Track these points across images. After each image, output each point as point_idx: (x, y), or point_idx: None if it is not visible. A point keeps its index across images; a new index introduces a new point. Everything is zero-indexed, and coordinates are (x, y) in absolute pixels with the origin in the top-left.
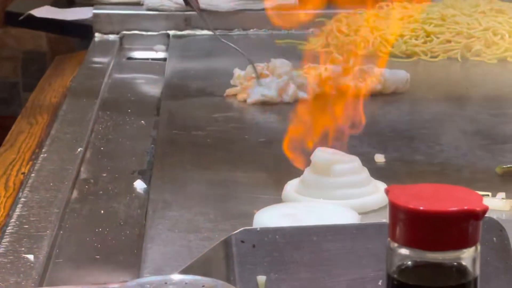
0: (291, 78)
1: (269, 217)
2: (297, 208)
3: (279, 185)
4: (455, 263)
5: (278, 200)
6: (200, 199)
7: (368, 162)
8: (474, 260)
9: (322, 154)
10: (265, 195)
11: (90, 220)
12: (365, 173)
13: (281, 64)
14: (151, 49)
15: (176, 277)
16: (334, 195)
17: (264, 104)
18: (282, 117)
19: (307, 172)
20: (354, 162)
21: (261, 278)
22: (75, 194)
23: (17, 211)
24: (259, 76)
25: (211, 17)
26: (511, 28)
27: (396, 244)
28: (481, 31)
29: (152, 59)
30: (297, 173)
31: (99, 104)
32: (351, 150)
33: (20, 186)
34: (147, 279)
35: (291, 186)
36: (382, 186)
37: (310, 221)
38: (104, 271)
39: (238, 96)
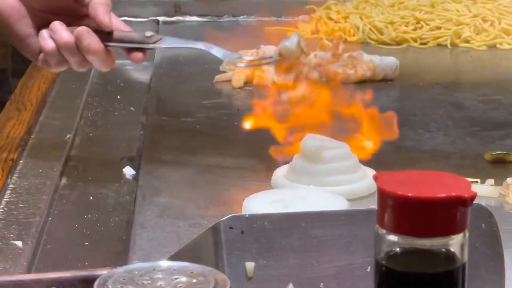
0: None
1: (258, 203)
2: (286, 194)
3: (268, 171)
4: (444, 250)
5: (267, 186)
6: (189, 186)
7: (357, 149)
8: (462, 247)
9: (311, 141)
10: (254, 181)
11: (79, 206)
12: (354, 159)
13: (270, 51)
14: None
15: (165, 263)
16: (323, 181)
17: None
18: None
19: (296, 158)
20: (343, 148)
21: (250, 265)
22: (64, 180)
23: (6, 197)
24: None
25: (202, 4)
26: (500, 14)
27: (384, 231)
28: (470, 18)
29: None
30: (286, 159)
31: (88, 90)
32: (339, 136)
33: (9, 173)
34: (135, 265)
35: (281, 172)
36: (371, 172)
37: (299, 207)
38: (93, 258)
39: (233, 82)
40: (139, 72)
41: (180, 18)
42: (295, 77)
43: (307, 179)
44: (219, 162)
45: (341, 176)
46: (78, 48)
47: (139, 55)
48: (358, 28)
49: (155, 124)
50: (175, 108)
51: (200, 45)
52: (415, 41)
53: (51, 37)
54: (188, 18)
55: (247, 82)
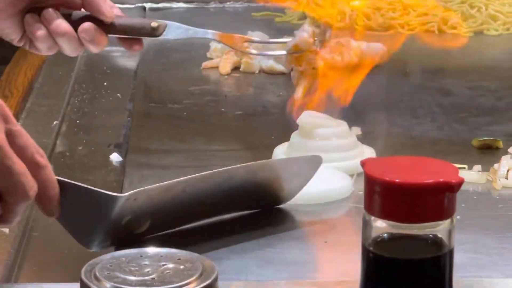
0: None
1: None
2: None
3: (255, 158)
4: (431, 235)
5: None
6: (176, 172)
7: None
8: (450, 232)
9: (307, 118)
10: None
11: None
12: (351, 137)
13: (257, 37)
14: None
15: (152, 250)
16: None
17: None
18: (259, 90)
19: (294, 134)
20: (339, 126)
21: None
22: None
23: None
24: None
25: None
26: (487, 0)
27: (372, 217)
28: (457, 4)
29: None
30: (274, 146)
31: (75, 77)
32: None
33: None
34: (122, 252)
35: (280, 149)
36: (368, 150)
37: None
38: (80, 245)
39: (220, 68)
40: (126, 58)
41: (166, 4)
42: (306, 67)
43: (300, 154)
44: (206, 148)
45: (335, 154)
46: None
47: (138, 45)
48: (345, 14)
49: (142, 111)
50: (162, 95)
51: (209, 35)
52: (402, 27)
53: (42, 23)
54: (175, 5)
55: (235, 69)
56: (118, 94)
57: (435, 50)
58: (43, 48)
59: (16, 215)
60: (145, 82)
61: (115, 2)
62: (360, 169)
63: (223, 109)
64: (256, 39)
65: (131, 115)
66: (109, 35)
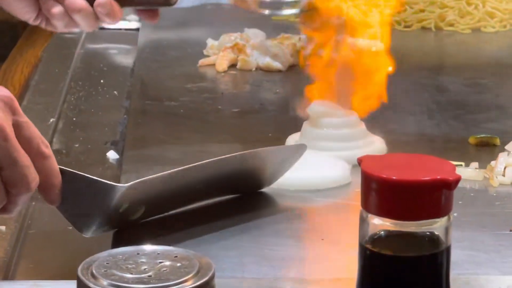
0: (266, 47)
1: None
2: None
3: None
4: (428, 233)
5: None
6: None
7: None
8: (447, 230)
9: (316, 107)
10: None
11: None
12: (360, 127)
13: (254, 34)
14: (124, 19)
15: (149, 247)
16: (326, 146)
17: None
18: (256, 88)
19: (305, 123)
20: (347, 116)
21: None
22: None
23: None
24: None
25: None
26: None
27: (369, 214)
28: (455, 1)
29: (125, 29)
30: (273, 145)
31: (71, 74)
32: None
33: None
34: (119, 250)
35: (293, 138)
36: (378, 140)
37: (303, 170)
38: (77, 242)
39: (216, 66)
40: (122, 56)
41: None
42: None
43: (312, 144)
44: (203, 146)
45: (344, 143)
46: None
47: (155, 16)
48: (343, 11)
49: (139, 108)
50: (158, 92)
51: None
52: (399, 24)
53: (57, 0)
54: None
55: (231, 66)
56: (115, 92)
57: (432, 47)
58: (60, 26)
59: (17, 205)
60: (141, 79)
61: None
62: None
63: (219, 107)
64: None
65: (127, 113)
66: (124, 7)
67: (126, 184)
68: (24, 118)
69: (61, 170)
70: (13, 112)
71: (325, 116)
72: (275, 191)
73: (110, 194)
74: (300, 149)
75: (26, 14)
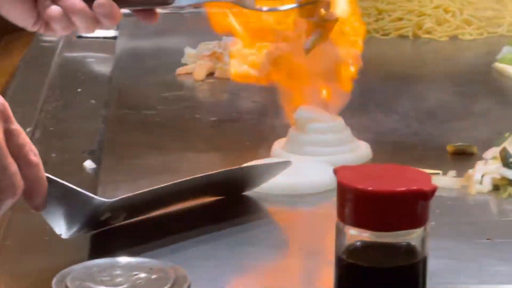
0: (243, 56)
1: None
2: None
3: (230, 165)
4: (404, 244)
5: None
6: (151, 179)
7: None
8: (423, 240)
9: (302, 112)
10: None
11: None
12: (346, 132)
13: (233, 42)
14: (101, 28)
15: (124, 259)
16: (311, 151)
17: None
18: (234, 96)
19: (291, 129)
20: (333, 121)
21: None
22: None
23: None
24: None
25: None
26: (462, 5)
27: (345, 225)
28: (432, 9)
29: (102, 37)
30: (250, 154)
31: (48, 83)
32: None
33: None
34: (94, 262)
35: (279, 143)
36: (364, 145)
37: (294, 175)
38: (53, 253)
39: (194, 74)
40: (100, 64)
41: None
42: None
43: (298, 149)
44: (181, 155)
45: (330, 148)
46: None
47: (154, 17)
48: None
49: (116, 117)
50: (136, 101)
51: None
52: (377, 32)
53: (56, 3)
54: None
55: (209, 75)
56: (92, 100)
57: (409, 54)
58: (59, 28)
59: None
60: (119, 88)
61: None
62: (354, 163)
63: (197, 115)
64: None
65: (105, 122)
66: (123, 8)
67: (111, 200)
68: (15, 126)
69: (48, 178)
70: (5, 119)
71: (311, 121)
72: (258, 195)
73: (95, 207)
74: (285, 165)
75: (24, 20)
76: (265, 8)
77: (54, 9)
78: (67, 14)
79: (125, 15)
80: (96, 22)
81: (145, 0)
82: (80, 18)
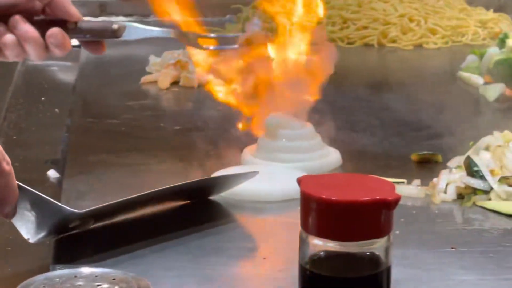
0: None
1: None
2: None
3: (194, 174)
4: (368, 253)
5: None
6: (114, 189)
7: None
8: (387, 250)
9: (272, 119)
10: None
11: None
12: (316, 139)
13: (197, 51)
14: None
15: (87, 270)
16: (281, 158)
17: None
18: (198, 105)
19: (261, 136)
20: (304, 128)
21: None
22: None
23: None
24: None
25: (127, 4)
26: (426, 14)
27: (308, 235)
28: (397, 18)
29: None
30: (215, 162)
31: (11, 92)
32: None
33: None
34: (56, 272)
35: (249, 150)
36: (334, 152)
37: (264, 182)
38: (16, 264)
39: (159, 83)
40: (64, 73)
41: (106, 18)
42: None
43: (268, 156)
44: (145, 164)
45: (300, 154)
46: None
47: (102, 48)
48: (285, 28)
49: (80, 126)
50: (100, 110)
51: (166, 33)
52: (342, 40)
53: (10, 31)
54: (114, 19)
55: (174, 83)
56: (56, 109)
57: (375, 63)
58: (11, 55)
59: None
60: (83, 97)
61: None
62: (324, 170)
63: (162, 124)
64: (210, 35)
65: (69, 131)
66: (72, 39)
67: (81, 211)
68: None
69: (19, 187)
70: None
71: (281, 128)
72: (225, 200)
73: (65, 217)
74: (252, 175)
75: None
76: (211, 47)
77: (8, 37)
78: (20, 42)
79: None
80: (47, 51)
81: (95, 33)
82: (33, 47)
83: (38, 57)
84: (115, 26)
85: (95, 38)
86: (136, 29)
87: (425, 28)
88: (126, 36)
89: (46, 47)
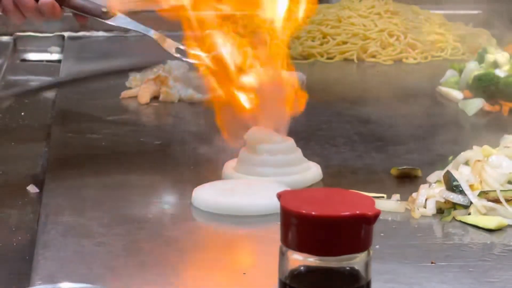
0: (188, 79)
1: (208, 192)
2: (234, 184)
3: (174, 188)
4: (348, 268)
5: (173, 204)
6: (94, 203)
7: None
8: (366, 265)
9: (253, 133)
10: (159, 198)
11: None
12: (296, 153)
13: (177, 66)
14: (46, 51)
15: (66, 285)
16: (262, 172)
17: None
18: (178, 120)
19: (242, 150)
20: (285, 142)
21: None
22: None
23: None
24: None
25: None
26: (406, 29)
27: (288, 249)
28: (376, 33)
29: (47, 61)
30: (195, 176)
31: None
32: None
33: None
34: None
35: (230, 164)
36: (314, 166)
37: (245, 196)
38: None
39: (139, 98)
40: (44, 88)
41: (86, 33)
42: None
43: (249, 170)
44: (125, 179)
45: (279, 168)
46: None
47: (85, 19)
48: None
49: (60, 141)
50: (80, 125)
51: (151, 33)
52: (322, 55)
53: None
54: (94, 33)
55: (154, 98)
56: (36, 124)
57: (354, 78)
58: (13, 18)
59: None
60: (63, 111)
61: (34, 31)
62: (305, 184)
63: (142, 139)
64: (183, 48)
65: (48, 146)
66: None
67: None
68: None
69: None
70: None
71: (262, 142)
72: (204, 214)
73: None
74: None
75: None
76: (182, 58)
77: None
78: (18, 6)
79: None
80: (42, 15)
81: (86, 10)
82: (28, 10)
83: (36, 20)
84: (104, 9)
85: (84, 14)
86: (123, 19)
87: (404, 43)
88: (112, 21)
89: (40, 12)
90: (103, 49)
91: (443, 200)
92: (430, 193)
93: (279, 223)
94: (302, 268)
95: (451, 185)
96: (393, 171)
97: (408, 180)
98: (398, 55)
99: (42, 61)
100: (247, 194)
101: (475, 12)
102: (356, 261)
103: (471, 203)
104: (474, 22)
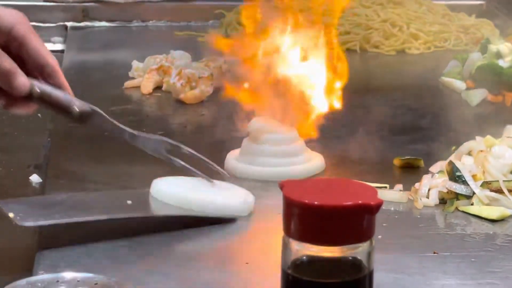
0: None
1: (165, 184)
2: (193, 182)
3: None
4: (350, 258)
5: None
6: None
7: None
8: (369, 255)
9: (256, 123)
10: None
11: None
12: (298, 143)
13: (180, 56)
14: (49, 41)
15: (69, 275)
16: (264, 161)
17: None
18: (180, 110)
19: (245, 140)
20: (288, 132)
21: None
22: None
23: None
24: None
25: (110, 9)
26: (409, 19)
27: (290, 239)
28: (379, 23)
29: (50, 50)
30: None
31: None
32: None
33: None
34: (38, 277)
35: (232, 154)
36: (317, 157)
37: (200, 194)
38: None
39: (142, 88)
40: None
41: (88, 23)
42: None
43: (251, 159)
44: (127, 168)
45: (282, 159)
46: None
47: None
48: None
49: (63, 131)
50: None
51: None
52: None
53: None
54: (97, 24)
55: (156, 88)
56: (39, 114)
57: (357, 68)
58: None
59: None
60: None
61: (37, 21)
62: (308, 174)
63: (144, 129)
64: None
65: (51, 136)
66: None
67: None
68: None
69: None
70: None
71: (265, 133)
72: None
73: None
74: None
75: None
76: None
77: None
78: None
79: (73, 28)
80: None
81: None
82: None
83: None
84: (75, 110)
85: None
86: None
87: (407, 34)
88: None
89: None
90: (106, 39)
91: (445, 191)
92: (433, 183)
93: (281, 213)
94: (304, 258)
95: (454, 175)
96: (396, 161)
97: (411, 170)
98: (401, 46)
99: None
100: (205, 192)
101: (478, 2)
102: (359, 251)
103: (473, 193)
104: (477, 13)
